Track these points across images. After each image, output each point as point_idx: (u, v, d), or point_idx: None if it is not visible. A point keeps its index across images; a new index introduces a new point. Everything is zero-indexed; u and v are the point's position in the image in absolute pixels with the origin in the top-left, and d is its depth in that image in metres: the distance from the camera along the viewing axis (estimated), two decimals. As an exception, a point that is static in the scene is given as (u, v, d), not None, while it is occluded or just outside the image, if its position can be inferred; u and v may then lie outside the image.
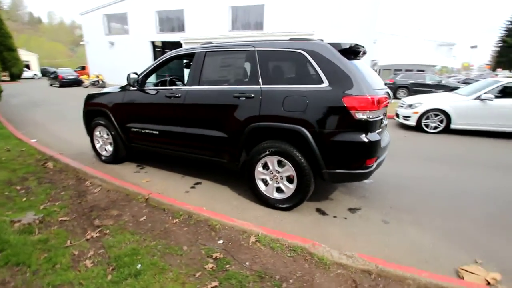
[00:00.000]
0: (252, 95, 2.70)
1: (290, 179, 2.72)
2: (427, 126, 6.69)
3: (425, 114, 6.66)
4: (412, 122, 6.83)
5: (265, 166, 2.81)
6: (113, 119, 3.79)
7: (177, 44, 25.42)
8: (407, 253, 2.19)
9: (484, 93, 6.16)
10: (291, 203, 2.72)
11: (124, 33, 22.94)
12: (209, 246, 2.12)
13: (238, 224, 2.34)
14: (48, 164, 3.93)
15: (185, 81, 4.31)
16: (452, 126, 6.45)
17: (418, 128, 6.77)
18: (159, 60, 3.48)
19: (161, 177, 3.67)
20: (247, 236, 2.24)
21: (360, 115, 2.35)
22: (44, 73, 33.60)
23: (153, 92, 3.43)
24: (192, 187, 3.39)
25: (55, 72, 21.24)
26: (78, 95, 14.69)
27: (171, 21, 21.57)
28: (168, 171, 3.89)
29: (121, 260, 1.93)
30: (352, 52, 2.65)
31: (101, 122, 3.97)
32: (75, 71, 23.86)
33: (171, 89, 3.31)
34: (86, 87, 20.12)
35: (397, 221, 2.68)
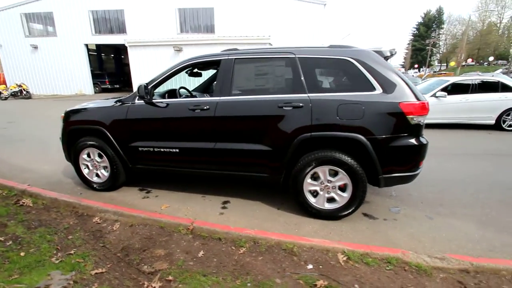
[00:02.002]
0: (300, 104, 2.57)
1: (341, 188, 2.67)
2: (394, 122, 7.42)
3: (392, 112, 7.38)
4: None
5: (313, 177, 2.71)
6: (111, 138, 3.18)
7: (119, 48, 23.21)
8: (470, 245, 2.35)
9: (438, 91, 7.14)
10: (346, 211, 2.67)
11: (49, 34, 19.86)
12: (302, 273, 1.92)
13: (316, 243, 2.19)
14: (25, 201, 3.09)
15: (192, 90, 3.93)
16: (415, 121, 7.30)
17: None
18: (172, 68, 3.04)
19: (179, 200, 3.23)
20: (332, 255, 2.10)
21: (415, 120, 2.44)
22: None
23: (169, 104, 3.00)
24: (224, 207, 3.07)
25: (-42, 82, 17.14)
26: (2, 109, 12.13)
27: (109, 22, 19.56)
28: (181, 192, 3.46)
29: (220, 311, 1.60)
30: (387, 58, 2.75)
31: (92, 142, 3.30)
32: (-13, 80, 19.71)
33: (196, 100, 2.94)
34: (6, 98, 16.78)
35: (438, 216, 2.86)
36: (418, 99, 2.46)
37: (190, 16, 18.41)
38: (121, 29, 19.34)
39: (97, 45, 22.66)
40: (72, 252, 2.24)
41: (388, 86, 2.46)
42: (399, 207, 3.05)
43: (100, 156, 3.37)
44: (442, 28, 59.60)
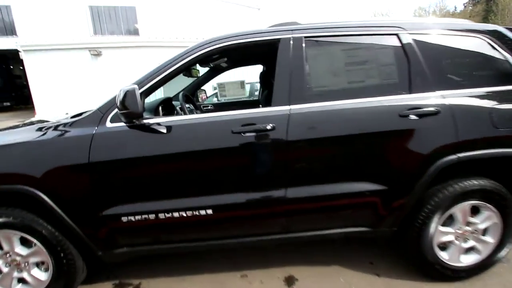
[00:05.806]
0: (434, 109, 1.56)
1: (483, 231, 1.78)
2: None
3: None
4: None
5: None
6: (53, 205, 1.52)
7: (5, 55, 18.03)
8: None
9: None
10: (490, 263, 1.79)
11: None
12: None
13: None
14: None
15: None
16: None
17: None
18: (180, 59, 1.60)
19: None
20: None
21: None
22: None
23: (182, 126, 1.56)
24: (296, 293, 1.80)
25: None
26: None
27: (-11, 21, 14.77)
28: (201, 274, 2.00)
29: None
30: None
31: (1, 219, 1.56)
32: None
33: (245, 115, 1.57)
34: None
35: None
36: None
37: (106, 16, 15.36)
38: (9, 31, 14.81)
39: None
40: None
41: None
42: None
43: (24, 243, 1.64)
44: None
